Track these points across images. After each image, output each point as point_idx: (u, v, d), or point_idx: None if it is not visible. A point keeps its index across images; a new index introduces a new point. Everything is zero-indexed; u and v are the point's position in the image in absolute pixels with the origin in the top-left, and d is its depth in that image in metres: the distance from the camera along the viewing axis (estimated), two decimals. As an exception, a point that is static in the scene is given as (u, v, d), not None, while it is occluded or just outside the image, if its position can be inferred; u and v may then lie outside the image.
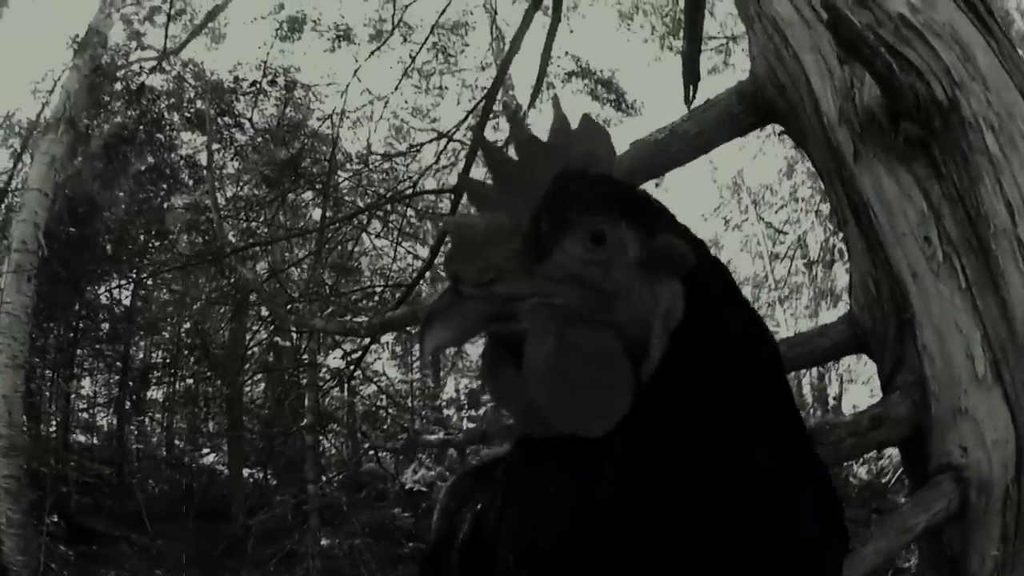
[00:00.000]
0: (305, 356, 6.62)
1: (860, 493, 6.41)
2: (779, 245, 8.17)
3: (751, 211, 8.02)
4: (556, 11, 6.07)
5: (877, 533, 1.49)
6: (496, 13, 7.36)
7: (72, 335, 8.80)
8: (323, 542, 7.56)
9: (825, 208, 7.09)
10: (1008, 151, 1.60)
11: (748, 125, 2.29)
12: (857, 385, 7.74)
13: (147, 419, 9.31)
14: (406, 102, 8.23)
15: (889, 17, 1.71)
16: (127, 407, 9.20)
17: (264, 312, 7.18)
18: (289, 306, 6.65)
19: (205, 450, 8.49)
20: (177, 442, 8.98)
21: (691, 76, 2.84)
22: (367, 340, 6.49)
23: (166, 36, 10.05)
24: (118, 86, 9.63)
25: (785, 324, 7.70)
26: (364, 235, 6.53)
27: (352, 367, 6.62)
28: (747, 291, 8.49)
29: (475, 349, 9.50)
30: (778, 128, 2.41)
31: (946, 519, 1.53)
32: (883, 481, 6.89)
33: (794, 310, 8.08)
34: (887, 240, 1.72)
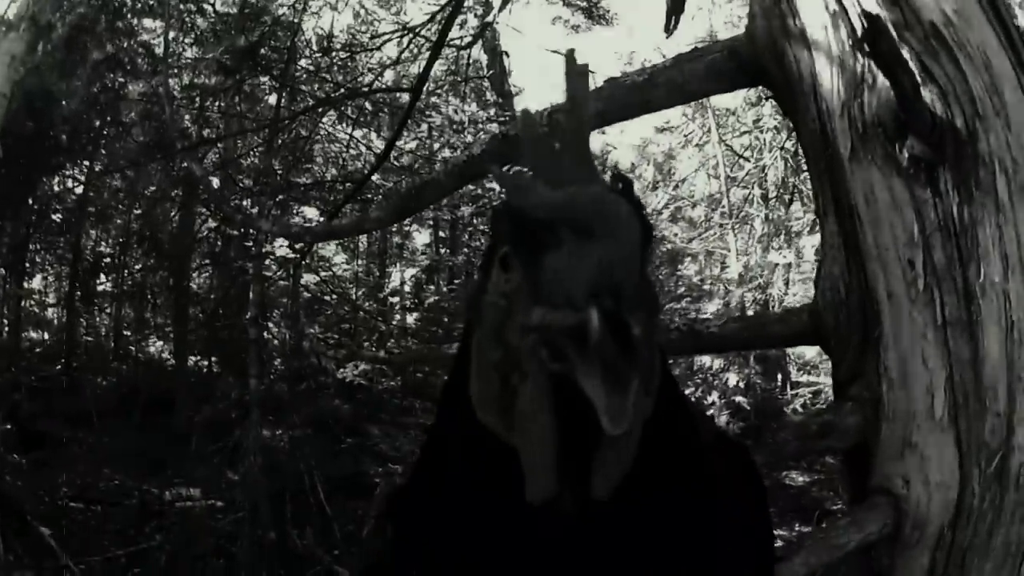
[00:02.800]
0: (252, 246, 6.57)
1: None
2: (738, 170, 8.19)
3: (713, 132, 7.96)
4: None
5: (808, 545, 1.47)
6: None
7: (27, 230, 8.62)
8: (264, 433, 7.66)
9: (789, 144, 7.09)
10: (1016, 200, 1.48)
11: (735, 84, 2.15)
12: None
13: (96, 310, 9.22)
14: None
15: (919, 21, 1.54)
16: (77, 300, 9.10)
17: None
18: (236, 200, 6.58)
19: (152, 339, 8.45)
20: (125, 332, 8.92)
21: (676, 6, 2.69)
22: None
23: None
24: (83, -25, 9.23)
25: (736, 255, 7.76)
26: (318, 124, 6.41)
27: (300, 256, 6.62)
28: (701, 210, 8.55)
29: (422, 236, 9.48)
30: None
31: (879, 540, 1.52)
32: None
33: (747, 239, 8.13)
34: (867, 250, 1.60)
